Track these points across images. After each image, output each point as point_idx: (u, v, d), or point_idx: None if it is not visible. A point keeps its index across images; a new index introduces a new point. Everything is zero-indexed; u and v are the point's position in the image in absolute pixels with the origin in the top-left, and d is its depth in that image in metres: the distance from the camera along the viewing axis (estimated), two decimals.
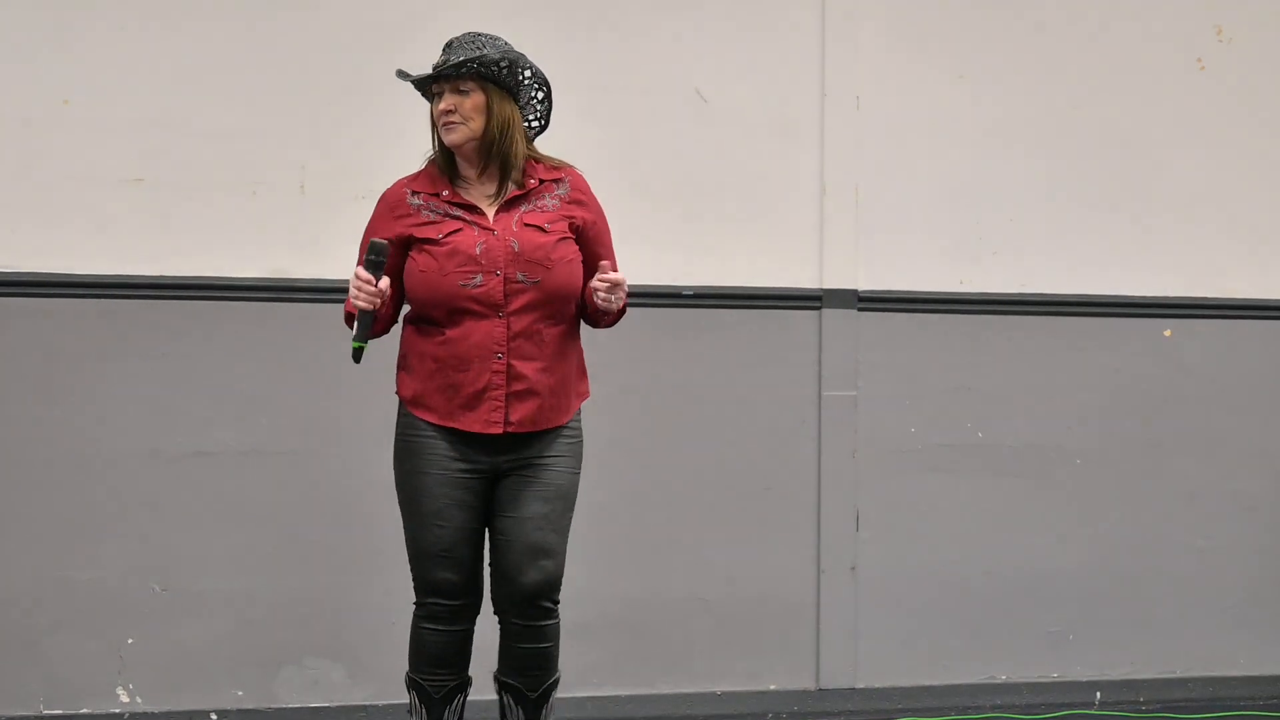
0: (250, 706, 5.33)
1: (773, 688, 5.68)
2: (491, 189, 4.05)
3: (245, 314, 5.33)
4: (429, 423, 4.00)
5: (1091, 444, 5.91)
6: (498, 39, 4.05)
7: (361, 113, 5.41)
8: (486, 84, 4.01)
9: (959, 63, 5.83)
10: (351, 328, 4.02)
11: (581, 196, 4.11)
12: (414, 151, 5.38)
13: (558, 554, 4.03)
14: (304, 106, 5.38)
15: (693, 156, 5.65)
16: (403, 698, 5.37)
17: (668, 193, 5.59)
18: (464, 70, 3.97)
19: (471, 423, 3.96)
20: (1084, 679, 5.87)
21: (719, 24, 5.67)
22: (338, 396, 5.37)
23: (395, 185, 4.11)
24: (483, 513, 4.03)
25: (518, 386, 3.96)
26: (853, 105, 5.74)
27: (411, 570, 4.07)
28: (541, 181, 4.07)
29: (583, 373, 4.15)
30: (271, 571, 5.35)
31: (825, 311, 5.68)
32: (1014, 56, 5.87)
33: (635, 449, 5.56)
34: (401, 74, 4.05)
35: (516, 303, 3.95)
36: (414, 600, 4.09)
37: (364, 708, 5.39)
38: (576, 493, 4.10)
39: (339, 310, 5.36)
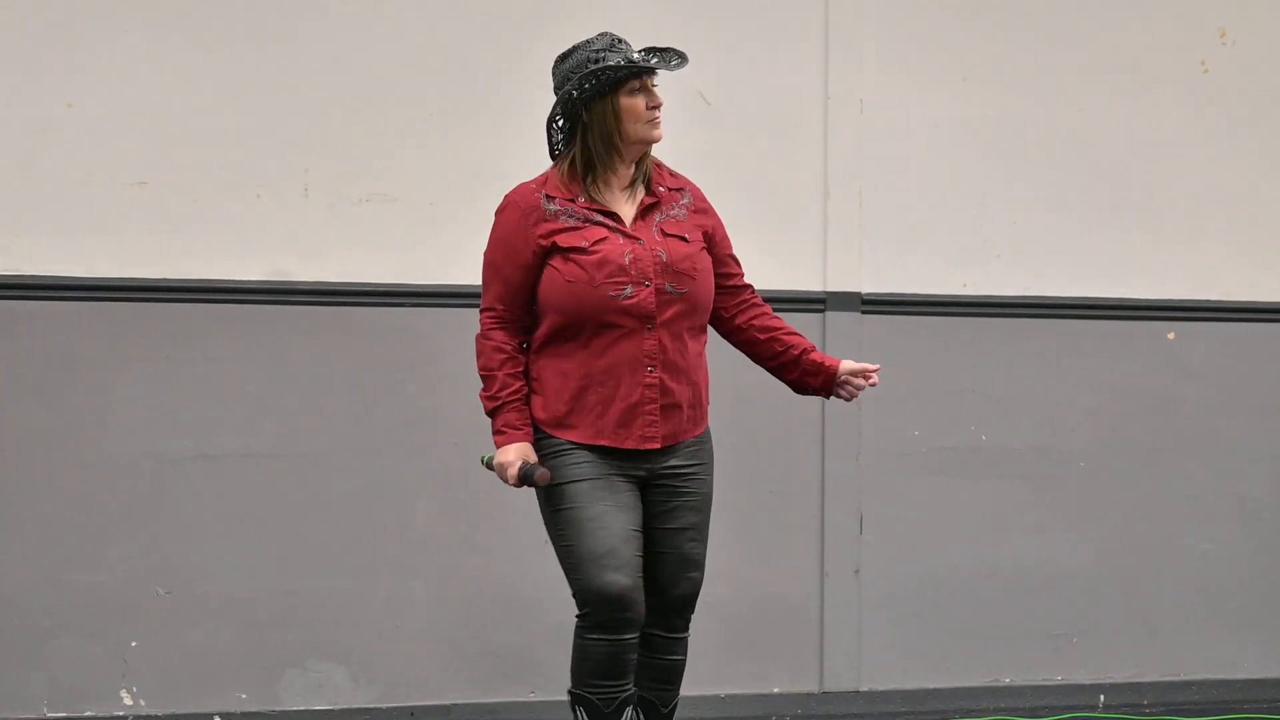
0: (254, 709, 5.33)
1: (776, 690, 5.68)
2: (626, 195, 3.91)
3: (248, 317, 5.33)
4: (576, 442, 3.84)
5: (1095, 447, 5.90)
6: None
7: (365, 116, 5.41)
8: None
9: (962, 66, 5.83)
10: (489, 417, 3.90)
11: (704, 205, 4.03)
12: (416, 154, 5.40)
13: (703, 564, 3.97)
14: (307, 109, 5.38)
15: (696, 160, 5.63)
16: (405, 701, 5.40)
17: None
18: (682, 65, 3.88)
19: (624, 439, 3.83)
20: (1087, 682, 5.86)
21: (722, 27, 5.67)
22: (341, 399, 5.37)
23: (522, 191, 3.88)
24: (640, 517, 3.86)
25: (667, 400, 3.85)
26: (856, 108, 5.74)
27: (572, 582, 3.81)
28: (667, 189, 3.98)
29: (708, 378, 4.03)
30: (275, 574, 5.34)
31: (829, 314, 5.68)
32: (1017, 59, 5.87)
33: None
34: (631, 62, 3.80)
35: (665, 314, 3.83)
36: (577, 612, 3.83)
37: (368, 710, 5.39)
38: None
39: (341, 313, 5.38)
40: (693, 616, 4.02)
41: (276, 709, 5.35)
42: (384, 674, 5.40)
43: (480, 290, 3.93)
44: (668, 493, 3.90)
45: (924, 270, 5.78)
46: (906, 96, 5.78)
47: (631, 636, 3.79)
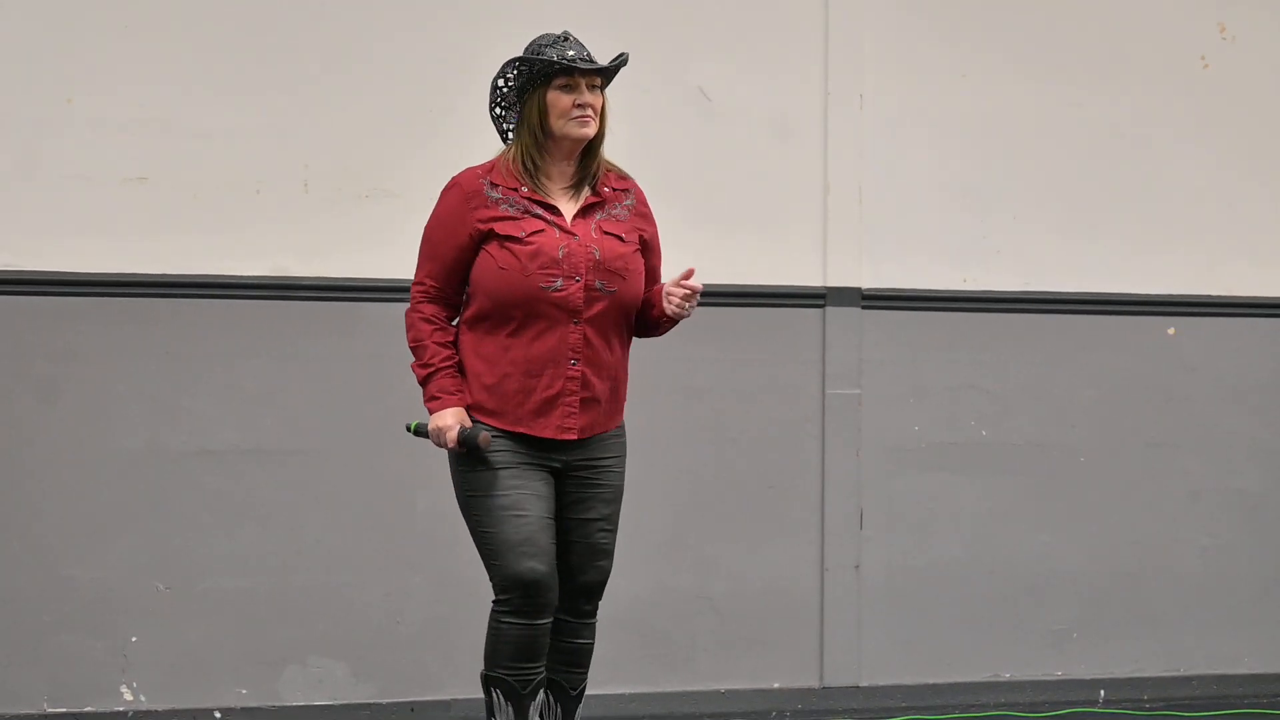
0: (254, 705, 5.33)
1: (776, 686, 5.68)
2: (570, 192, 4.01)
3: (248, 313, 5.33)
4: (493, 427, 3.94)
5: (1095, 442, 5.90)
6: None
7: (365, 111, 5.41)
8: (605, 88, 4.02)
9: (962, 61, 5.83)
10: (421, 386, 4.02)
11: (646, 210, 4.12)
12: (416, 150, 5.40)
13: (612, 554, 4.10)
14: (307, 105, 5.38)
15: (696, 155, 5.65)
16: (405, 696, 5.40)
17: (670, 191, 5.56)
18: (618, 68, 3.97)
19: (543, 428, 3.94)
20: (1088, 677, 5.87)
21: (722, 23, 5.67)
22: (341, 395, 5.37)
23: (467, 175, 4.01)
24: (553, 506, 3.99)
25: (586, 394, 3.96)
26: (856, 103, 5.74)
27: (490, 568, 3.97)
28: (613, 190, 4.06)
29: (628, 377, 4.13)
30: (275, 570, 5.35)
31: (829, 310, 5.68)
32: (1017, 55, 5.87)
33: (638, 447, 5.52)
34: (563, 59, 3.90)
35: (592, 310, 3.93)
36: (494, 598, 3.98)
37: (368, 706, 5.39)
38: None
39: (342, 308, 5.38)
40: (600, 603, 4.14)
41: (277, 704, 5.35)
42: (384, 669, 5.40)
43: None
44: (581, 484, 4.02)
45: (924, 266, 5.78)
46: (906, 92, 5.78)
47: (546, 621, 3.94)
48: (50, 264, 5.22)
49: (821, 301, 5.68)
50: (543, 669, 4.00)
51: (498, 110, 4.04)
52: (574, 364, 3.93)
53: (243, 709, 5.32)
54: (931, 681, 5.77)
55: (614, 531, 4.10)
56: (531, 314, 3.90)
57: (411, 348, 4.02)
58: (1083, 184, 5.91)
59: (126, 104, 5.27)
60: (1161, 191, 5.95)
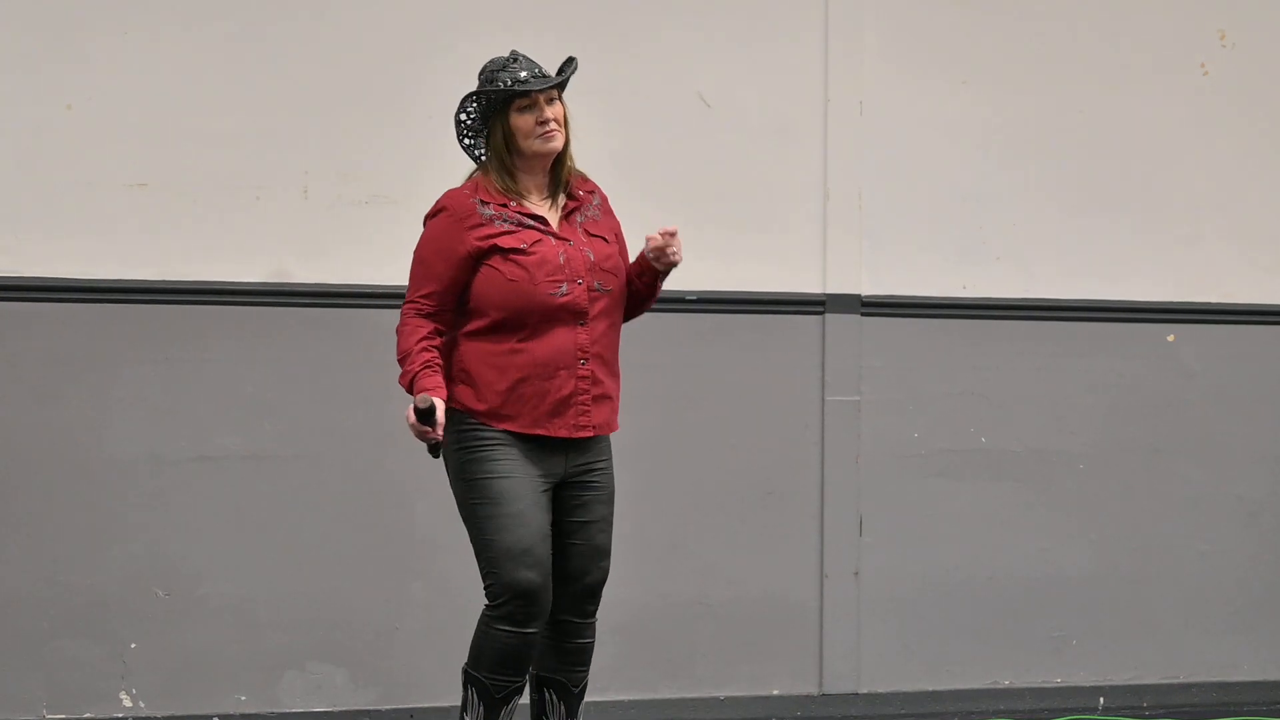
0: (253, 711, 5.33)
1: (776, 692, 5.68)
2: (549, 201, 4.13)
3: (248, 318, 5.33)
4: (508, 432, 4.03)
5: (1095, 449, 5.90)
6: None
7: (364, 117, 5.41)
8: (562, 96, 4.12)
9: (962, 68, 5.83)
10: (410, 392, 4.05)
11: (609, 208, 4.25)
12: (416, 156, 5.40)
13: (610, 554, 4.22)
14: (307, 111, 5.38)
15: (695, 161, 5.65)
16: (404, 703, 5.40)
17: (670, 197, 5.58)
18: (569, 76, 4.08)
19: (559, 428, 4.04)
20: (1087, 684, 5.86)
21: (722, 29, 5.67)
22: (341, 401, 5.37)
23: (455, 196, 4.09)
24: (550, 517, 4.09)
25: (598, 391, 4.09)
26: (856, 110, 5.74)
27: (487, 573, 4.04)
28: (583, 193, 4.18)
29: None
30: (274, 576, 5.34)
31: (828, 316, 5.68)
32: (1017, 61, 5.87)
33: (638, 453, 5.55)
34: (515, 82, 4.01)
35: (595, 310, 4.07)
36: (488, 602, 4.04)
37: (367, 712, 5.39)
38: None
39: (341, 314, 5.38)
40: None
41: (276, 711, 5.35)
42: (383, 675, 5.40)
43: None
44: (581, 488, 4.13)
45: (923, 272, 5.78)
46: (906, 98, 5.78)
47: (535, 630, 4.03)
48: (50, 269, 5.21)
49: (821, 308, 5.68)
50: (522, 681, 4.08)
51: (467, 141, 4.17)
52: (584, 363, 4.04)
53: (242, 715, 5.32)
54: (931, 688, 5.77)
55: (610, 533, 4.21)
56: (543, 320, 4.01)
57: (400, 359, 4.08)
58: (1082, 191, 5.91)
59: (126, 109, 5.26)
60: (1161, 198, 5.96)
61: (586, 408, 4.06)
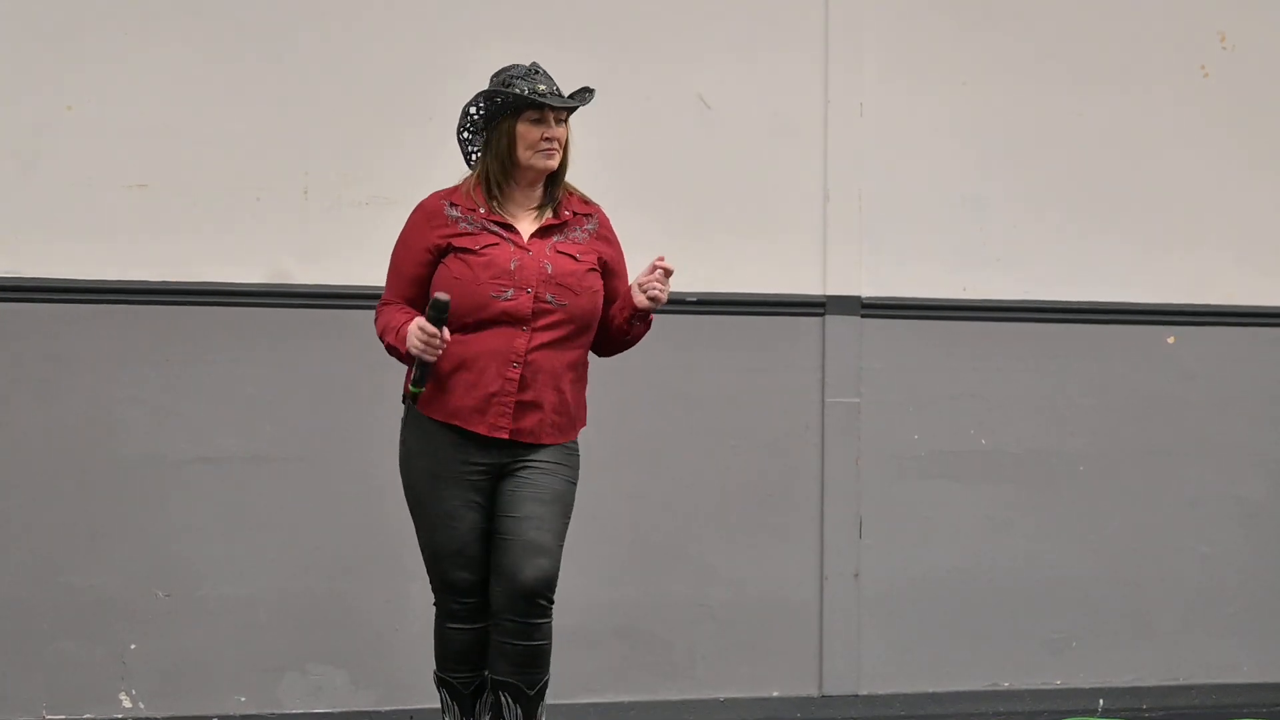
0: (253, 712, 5.33)
1: (776, 694, 5.68)
2: (532, 214, 4.18)
3: (248, 319, 5.33)
4: (435, 421, 4.11)
5: (1094, 450, 5.90)
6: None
7: (364, 119, 5.41)
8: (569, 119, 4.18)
9: (962, 70, 5.83)
10: (404, 364, 4.12)
11: (609, 235, 4.28)
12: (416, 157, 5.40)
13: (554, 553, 4.13)
14: (307, 112, 5.38)
15: (696, 163, 5.66)
16: (405, 704, 5.40)
17: (671, 199, 5.59)
18: (584, 104, 4.12)
19: (478, 424, 4.09)
20: (1087, 686, 5.86)
21: (722, 31, 5.67)
22: (341, 402, 5.37)
23: (432, 198, 4.21)
24: (490, 512, 4.15)
25: (526, 396, 4.10)
26: (856, 111, 5.74)
27: (428, 571, 4.21)
28: (575, 214, 4.22)
29: (584, 404, 4.27)
30: (274, 577, 5.34)
31: (829, 318, 5.68)
32: (1017, 63, 5.87)
33: (638, 455, 5.56)
34: (534, 93, 4.05)
35: (542, 321, 4.10)
36: (433, 601, 4.19)
37: (367, 714, 5.39)
38: (573, 503, 4.22)
39: (341, 315, 5.37)
40: (552, 601, 4.13)
41: (276, 712, 5.35)
42: (383, 677, 5.40)
43: None
44: (518, 483, 4.14)
45: (924, 274, 5.78)
46: (906, 100, 5.78)
47: (478, 626, 4.16)
48: (50, 270, 5.21)
49: (821, 310, 5.68)
50: (481, 673, 4.20)
51: (466, 135, 4.21)
52: (515, 366, 4.08)
53: (242, 716, 5.32)
54: (930, 690, 5.77)
55: (553, 533, 4.13)
56: (485, 319, 4.08)
57: (380, 334, 4.18)
58: (1083, 193, 5.91)
59: (126, 111, 5.26)
60: (1161, 200, 5.96)
61: (506, 409, 4.08)
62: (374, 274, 5.31)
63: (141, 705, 5.27)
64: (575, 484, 4.23)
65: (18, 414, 5.21)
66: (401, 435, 4.23)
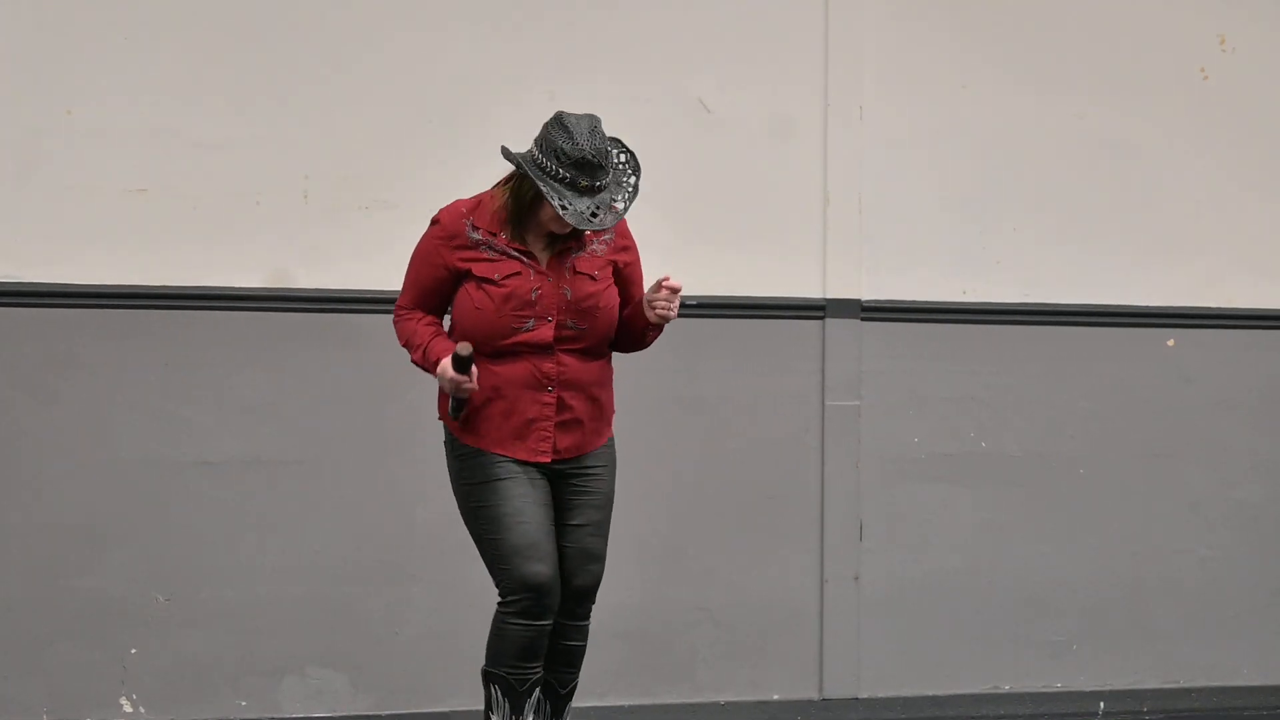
0: (253, 716, 5.33)
1: (776, 697, 5.68)
2: (547, 238, 4.15)
3: (248, 323, 5.33)
4: (478, 448, 4.15)
5: (1094, 454, 5.90)
6: (617, 139, 4.16)
7: (364, 123, 5.41)
8: None
9: (962, 73, 5.83)
10: (430, 374, 4.14)
11: (627, 242, 4.29)
12: (416, 161, 5.40)
13: (604, 558, 4.27)
14: (307, 116, 5.38)
15: (695, 166, 5.66)
16: (405, 707, 5.39)
17: (670, 202, 5.59)
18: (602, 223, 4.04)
19: (518, 450, 4.14)
20: (1087, 689, 5.86)
21: (722, 33, 5.67)
22: (340, 405, 5.37)
23: (453, 211, 4.19)
24: (552, 512, 4.18)
25: (565, 417, 4.16)
26: (856, 114, 5.74)
27: (498, 573, 4.15)
28: (590, 232, 4.19)
29: (612, 394, 4.31)
30: (275, 581, 5.34)
31: (828, 321, 5.68)
32: (1017, 66, 5.87)
33: (638, 458, 5.54)
34: (565, 200, 3.99)
35: (565, 345, 4.14)
36: (499, 599, 4.14)
37: (367, 717, 5.39)
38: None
39: (341, 319, 5.38)
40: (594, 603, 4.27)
41: (276, 716, 5.35)
42: (383, 680, 5.40)
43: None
44: (572, 491, 4.22)
45: (923, 277, 5.78)
46: (906, 104, 5.78)
47: (548, 623, 4.14)
48: (50, 275, 5.21)
49: (821, 313, 5.68)
50: (540, 669, 4.18)
51: (521, 155, 4.11)
52: (549, 390, 4.13)
53: None
54: (931, 693, 5.77)
55: (603, 537, 4.27)
56: (508, 348, 4.12)
57: (404, 345, 4.22)
58: (1082, 195, 5.91)
59: (126, 115, 5.27)
60: (1161, 203, 5.96)
61: (547, 434, 4.14)
62: (375, 277, 5.34)
63: (142, 709, 5.27)
64: (615, 479, 4.32)
65: (19, 418, 5.21)
66: (448, 448, 4.23)
